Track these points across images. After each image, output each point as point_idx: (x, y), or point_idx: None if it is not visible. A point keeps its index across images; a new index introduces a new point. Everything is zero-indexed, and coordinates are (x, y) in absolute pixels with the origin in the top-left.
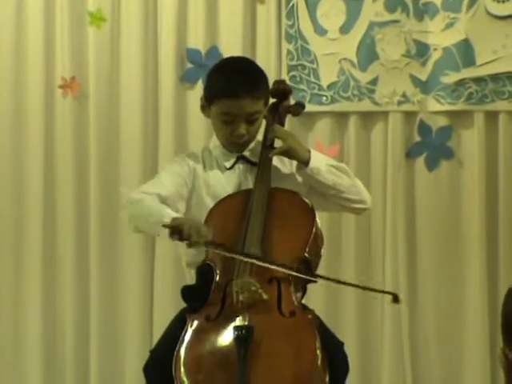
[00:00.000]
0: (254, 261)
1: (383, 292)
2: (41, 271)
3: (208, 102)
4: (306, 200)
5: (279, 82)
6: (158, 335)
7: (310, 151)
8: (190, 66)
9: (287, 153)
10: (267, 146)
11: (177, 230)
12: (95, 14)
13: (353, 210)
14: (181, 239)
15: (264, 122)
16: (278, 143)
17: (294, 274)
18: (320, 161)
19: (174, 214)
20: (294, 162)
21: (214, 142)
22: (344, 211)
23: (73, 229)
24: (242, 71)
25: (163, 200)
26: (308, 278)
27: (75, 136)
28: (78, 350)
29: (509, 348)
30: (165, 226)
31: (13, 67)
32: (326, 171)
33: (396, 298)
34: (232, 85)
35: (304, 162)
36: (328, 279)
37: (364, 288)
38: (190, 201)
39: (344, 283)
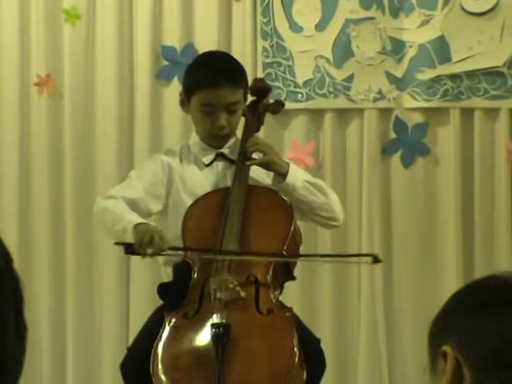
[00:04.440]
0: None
1: (361, 255)
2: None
3: (187, 95)
4: (284, 198)
5: (258, 80)
6: (134, 332)
7: (289, 164)
8: (165, 63)
9: (267, 165)
10: (246, 157)
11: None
12: (70, 11)
13: (323, 225)
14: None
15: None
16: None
17: (276, 259)
18: (297, 176)
19: (135, 222)
20: (272, 173)
21: (194, 139)
22: (314, 224)
23: (48, 224)
24: (220, 62)
25: (132, 203)
26: (289, 260)
27: (51, 133)
28: (54, 347)
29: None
30: (117, 243)
31: None
32: (302, 188)
33: (376, 259)
34: (211, 75)
35: (282, 175)
36: (309, 256)
37: (343, 256)
38: (167, 197)
39: (323, 255)
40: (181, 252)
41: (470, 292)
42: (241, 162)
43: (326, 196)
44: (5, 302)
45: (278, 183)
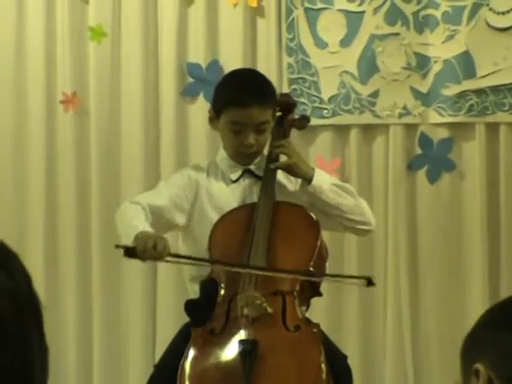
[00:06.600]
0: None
1: (356, 277)
2: (43, 284)
3: (216, 112)
4: (311, 213)
5: (284, 95)
6: (160, 350)
7: (314, 169)
8: (190, 80)
9: (290, 168)
10: (271, 160)
11: (130, 251)
12: (96, 29)
13: (356, 230)
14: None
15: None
16: (282, 158)
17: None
18: (324, 180)
19: (139, 229)
20: (300, 180)
21: (221, 155)
22: (347, 232)
23: (75, 243)
24: (251, 81)
25: (157, 210)
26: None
27: (77, 151)
28: (81, 364)
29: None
30: (117, 246)
31: (14, 83)
32: (329, 190)
33: (370, 281)
34: (241, 94)
35: (307, 180)
36: (304, 274)
37: (336, 276)
38: (192, 212)
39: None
40: (183, 260)
41: (502, 309)
42: (267, 177)
43: (355, 198)
44: (30, 328)
45: (305, 187)
